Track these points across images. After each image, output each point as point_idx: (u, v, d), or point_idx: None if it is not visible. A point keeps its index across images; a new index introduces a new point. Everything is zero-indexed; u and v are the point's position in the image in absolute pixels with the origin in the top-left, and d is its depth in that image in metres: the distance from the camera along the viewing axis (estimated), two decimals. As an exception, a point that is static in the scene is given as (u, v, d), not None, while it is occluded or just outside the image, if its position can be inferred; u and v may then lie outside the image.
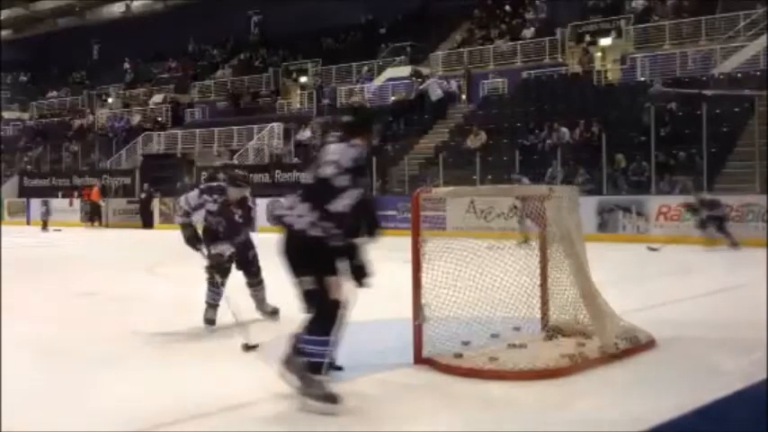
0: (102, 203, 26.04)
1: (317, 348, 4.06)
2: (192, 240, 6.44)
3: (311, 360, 4.05)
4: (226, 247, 6.42)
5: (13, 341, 5.74)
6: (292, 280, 4.16)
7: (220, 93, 32.31)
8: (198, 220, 6.54)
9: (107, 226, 25.50)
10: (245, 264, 6.69)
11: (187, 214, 6.46)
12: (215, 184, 6.85)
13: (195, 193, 6.57)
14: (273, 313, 6.73)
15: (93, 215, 25.80)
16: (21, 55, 42.45)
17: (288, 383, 4.18)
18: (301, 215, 4.06)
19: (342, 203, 4.00)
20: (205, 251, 6.44)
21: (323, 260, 4.07)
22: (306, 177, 4.23)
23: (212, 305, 6.49)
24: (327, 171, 4.04)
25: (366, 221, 4.22)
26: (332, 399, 4.02)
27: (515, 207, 14.09)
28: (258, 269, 6.75)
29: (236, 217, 6.51)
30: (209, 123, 29.79)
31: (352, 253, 4.19)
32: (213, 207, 6.46)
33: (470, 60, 26.23)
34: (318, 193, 4.04)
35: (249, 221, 6.69)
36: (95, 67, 41.06)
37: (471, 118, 22.86)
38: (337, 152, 4.09)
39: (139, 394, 4.50)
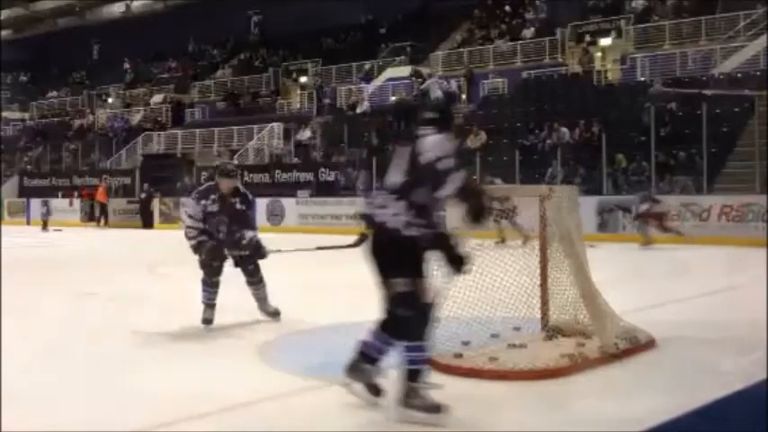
0: (108, 203, 26.02)
1: (416, 354, 3.86)
2: (217, 253, 6.37)
3: (410, 368, 3.85)
4: (253, 234, 6.40)
5: (12, 341, 5.73)
6: (380, 281, 3.96)
7: (220, 93, 32.31)
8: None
9: (108, 226, 25.51)
10: (241, 261, 6.56)
11: (201, 231, 6.36)
12: (205, 185, 6.77)
13: (192, 203, 6.50)
14: (275, 314, 6.64)
15: (100, 215, 25.74)
16: (21, 55, 42.46)
17: (354, 393, 4.07)
18: (396, 213, 3.87)
19: (451, 187, 3.80)
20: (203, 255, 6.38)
21: (417, 261, 3.90)
22: (393, 176, 3.99)
23: (209, 305, 6.47)
24: (430, 155, 3.84)
25: (472, 206, 3.93)
26: (436, 409, 3.80)
27: (494, 208, 14.26)
28: (256, 266, 6.61)
29: (237, 205, 6.47)
30: (209, 123, 29.79)
31: (446, 243, 3.95)
32: (214, 207, 6.41)
33: (470, 60, 26.24)
34: (419, 185, 3.84)
35: (250, 206, 6.66)
36: (95, 67, 41.08)
37: (471, 118, 22.86)
38: (437, 142, 3.93)
39: (139, 394, 4.50)
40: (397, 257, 3.87)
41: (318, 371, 4.94)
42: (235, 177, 6.60)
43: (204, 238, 6.37)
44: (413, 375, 3.87)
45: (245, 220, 6.55)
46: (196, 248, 6.42)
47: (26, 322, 6.87)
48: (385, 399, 3.96)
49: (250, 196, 6.66)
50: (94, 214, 26.65)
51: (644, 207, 14.30)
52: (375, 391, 4.00)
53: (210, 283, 6.46)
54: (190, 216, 6.46)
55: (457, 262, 3.94)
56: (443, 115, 4.24)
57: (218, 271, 6.47)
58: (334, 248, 6.63)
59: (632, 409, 3.92)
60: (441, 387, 3.92)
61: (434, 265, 4.01)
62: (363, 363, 4.06)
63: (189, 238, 6.44)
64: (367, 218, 4.04)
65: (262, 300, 6.68)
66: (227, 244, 6.46)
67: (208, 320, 6.44)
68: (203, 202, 6.41)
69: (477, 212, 3.92)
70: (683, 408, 4.00)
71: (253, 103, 30.36)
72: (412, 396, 3.86)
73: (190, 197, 6.81)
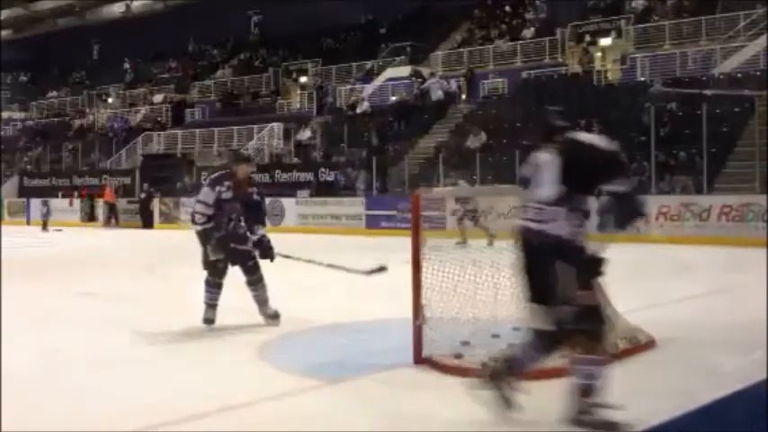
0: (116, 203, 25.99)
1: (593, 369, 3.66)
2: (224, 246, 6.29)
3: (586, 382, 3.66)
4: (264, 231, 6.37)
5: (12, 341, 5.73)
6: (546, 296, 3.74)
7: (219, 93, 32.31)
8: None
9: (104, 225, 25.52)
10: (241, 257, 6.42)
11: (209, 218, 6.28)
12: (219, 173, 6.68)
13: (206, 189, 6.38)
14: (275, 317, 6.52)
15: (110, 215, 25.67)
16: (21, 55, 42.44)
17: (480, 399, 3.91)
18: (557, 220, 3.69)
19: (628, 182, 3.67)
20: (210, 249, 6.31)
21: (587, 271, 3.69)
22: (545, 185, 3.74)
23: (211, 305, 6.44)
24: (612, 146, 3.66)
25: (626, 209, 3.75)
26: (612, 427, 3.63)
27: (456, 208, 14.44)
28: (256, 264, 6.46)
29: (254, 196, 6.45)
30: (209, 123, 29.79)
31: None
32: (229, 195, 6.31)
33: (470, 60, 26.24)
34: (580, 188, 3.69)
35: (263, 200, 6.63)
36: (95, 67, 41.08)
37: (471, 118, 22.86)
38: (597, 137, 3.81)
39: (139, 394, 4.50)
40: (575, 269, 3.69)
41: (318, 371, 4.94)
42: (252, 163, 6.59)
43: (212, 226, 6.29)
44: (587, 391, 3.68)
45: (259, 212, 6.52)
46: (203, 235, 6.32)
47: (26, 322, 6.87)
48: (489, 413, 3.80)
49: (260, 192, 6.64)
50: (94, 214, 26.67)
51: (456, 206, 14.56)
52: (507, 403, 3.85)
53: (214, 284, 6.41)
54: (200, 201, 6.35)
55: (594, 266, 3.75)
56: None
57: (223, 272, 6.42)
58: (347, 271, 6.49)
59: (632, 409, 3.91)
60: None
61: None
62: (508, 373, 3.89)
63: (195, 223, 6.36)
64: (529, 231, 3.78)
65: (262, 302, 6.53)
66: (234, 237, 6.37)
67: (209, 320, 6.42)
68: (218, 188, 6.32)
69: (632, 215, 3.75)
70: (683, 408, 4.00)
71: (253, 103, 30.36)
72: (586, 413, 3.68)
73: (204, 184, 6.66)
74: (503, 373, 3.90)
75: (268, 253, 6.44)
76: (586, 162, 3.72)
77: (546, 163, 3.79)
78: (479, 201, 14.39)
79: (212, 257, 6.33)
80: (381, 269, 6.07)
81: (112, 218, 25.60)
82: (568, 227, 3.70)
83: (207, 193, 6.34)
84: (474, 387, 3.94)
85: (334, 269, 6.44)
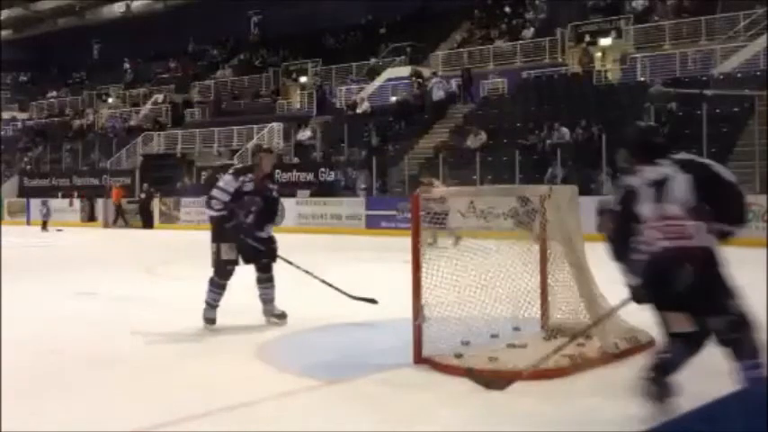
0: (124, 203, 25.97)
1: (757, 372, 3.68)
2: (237, 230, 6.23)
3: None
4: (271, 230, 6.41)
5: (13, 341, 5.74)
6: (702, 308, 3.74)
7: (220, 93, 32.32)
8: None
9: (113, 225, 25.52)
10: (255, 255, 6.39)
11: (225, 206, 6.25)
12: (241, 165, 6.73)
13: (229, 177, 6.37)
14: (281, 316, 6.51)
15: (118, 216, 25.65)
16: (21, 55, 42.45)
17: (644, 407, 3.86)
18: (698, 234, 3.67)
19: (735, 230, 3.75)
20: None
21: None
22: (679, 200, 3.70)
23: (213, 306, 6.43)
24: (730, 178, 3.73)
25: (730, 215, 3.78)
26: None
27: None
28: (269, 264, 6.44)
29: (274, 193, 6.48)
30: (209, 123, 29.80)
31: None
32: (250, 187, 6.32)
33: (470, 60, 26.25)
34: (716, 204, 3.68)
35: (279, 198, 6.68)
36: (95, 67, 41.07)
37: (471, 118, 22.86)
38: (726, 170, 3.82)
39: (139, 394, 4.50)
40: (723, 281, 3.74)
41: (318, 371, 4.94)
42: (275, 155, 6.62)
43: (226, 214, 6.25)
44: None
45: (274, 209, 6.52)
46: (218, 221, 6.27)
47: (26, 322, 6.87)
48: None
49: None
50: (94, 214, 26.66)
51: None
52: (667, 394, 3.87)
53: (219, 285, 6.38)
54: (220, 188, 6.32)
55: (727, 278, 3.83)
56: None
57: (230, 274, 6.39)
58: (338, 291, 6.66)
59: (632, 409, 3.92)
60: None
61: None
62: (662, 377, 3.92)
63: (210, 208, 6.32)
64: (671, 252, 3.72)
65: (269, 301, 6.52)
66: (249, 232, 6.34)
67: (211, 320, 6.40)
68: (242, 178, 6.33)
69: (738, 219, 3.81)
70: (683, 408, 3.99)
71: (253, 103, 30.36)
72: None
73: (226, 174, 6.64)
74: (659, 379, 3.90)
75: (272, 254, 6.45)
76: (713, 191, 3.72)
77: (673, 179, 3.75)
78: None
79: (223, 257, 6.31)
80: (372, 301, 6.22)
81: (120, 218, 25.52)
82: (709, 239, 3.71)
83: (229, 181, 6.33)
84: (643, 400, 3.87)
85: (327, 286, 6.59)
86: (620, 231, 3.95)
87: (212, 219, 6.37)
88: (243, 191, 6.31)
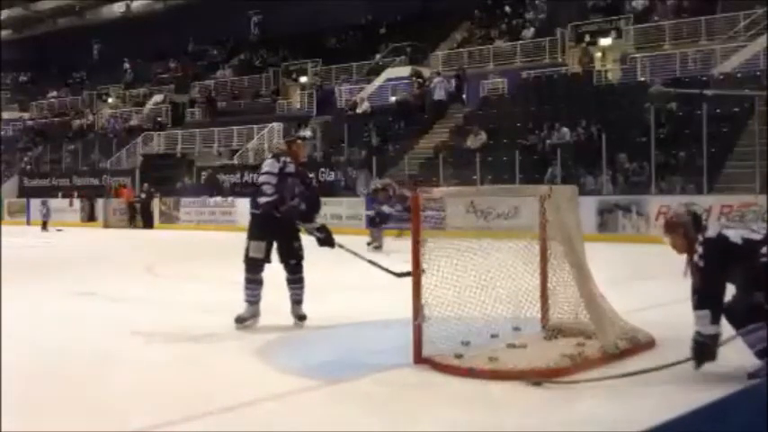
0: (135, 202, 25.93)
1: None
2: (293, 214, 6.11)
3: None
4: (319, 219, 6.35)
5: (13, 341, 5.73)
6: None
7: (221, 93, 32.31)
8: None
9: (108, 226, 25.51)
10: (288, 254, 6.29)
11: (276, 188, 6.09)
12: (277, 150, 6.62)
13: (270, 161, 6.26)
14: (302, 318, 6.44)
15: (131, 216, 25.58)
16: (21, 55, 42.42)
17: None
18: None
19: None
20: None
21: None
22: None
23: (253, 302, 6.31)
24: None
25: None
26: None
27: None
28: (300, 264, 6.33)
29: (313, 181, 6.45)
30: (209, 123, 29.80)
31: None
32: (292, 168, 6.21)
33: (470, 60, 26.24)
34: None
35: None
36: (95, 67, 41.05)
37: (471, 118, 22.86)
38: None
39: (139, 394, 4.50)
40: None
41: (318, 371, 4.94)
42: (305, 142, 6.51)
43: (279, 197, 6.11)
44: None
45: (316, 198, 6.47)
46: (275, 205, 6.12)
47: (26, 322, 6.86)
48: None
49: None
50: (94, 214, 26.66)
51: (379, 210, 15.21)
52: None
53: (252, 281, 6.30)
54: (266, 172, 6.18)
55: None
56: None
57: (262, 267, 6.32)
58: (388, 272, 6.07)
59: (632, 409, 3.92)
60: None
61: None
62: None
63: (264, 194, 6.14)
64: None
65: (298, 302, 6.44)
66: (302, 213, 6.23)
67: (253, 316, 6.32)
68: (283, 158, 6.22)
69: None
70: (683, 408, 3.99)
71: (253, 103, 30.36)
72: None
73: (266, 159, 6.57)
74: None
75: (329, 240, 6.30)
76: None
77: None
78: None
79: (252, 255, 6.26)
80: (409, 274, 6.02)
81: (139, 216, 25.42)
82: None
83: (272, 164, 6.22)
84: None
85: (373, 266, 6.23)
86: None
87: (266, 205, 6.16)
88: (286, 172, 6.20)
